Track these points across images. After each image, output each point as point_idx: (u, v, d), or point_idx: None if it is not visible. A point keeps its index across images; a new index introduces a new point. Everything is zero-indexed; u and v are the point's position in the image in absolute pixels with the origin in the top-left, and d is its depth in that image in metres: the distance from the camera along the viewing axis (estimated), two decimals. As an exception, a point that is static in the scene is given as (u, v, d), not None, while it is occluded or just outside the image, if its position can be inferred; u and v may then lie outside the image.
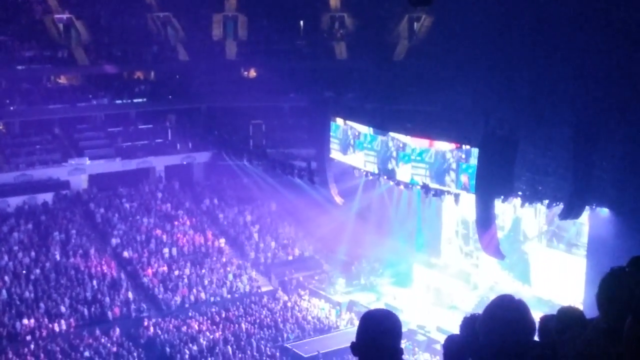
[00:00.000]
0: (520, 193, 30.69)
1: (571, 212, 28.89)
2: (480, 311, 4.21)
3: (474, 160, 30.81)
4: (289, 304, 38.18)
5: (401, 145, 34.58)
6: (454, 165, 31.94)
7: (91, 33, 46.89)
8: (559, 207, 29.68)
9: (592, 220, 30.80)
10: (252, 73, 52.09)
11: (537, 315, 6.09)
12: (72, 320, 34.28)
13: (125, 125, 47.17)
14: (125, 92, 47.43)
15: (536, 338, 5.20)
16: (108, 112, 46.98)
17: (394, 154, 34.77)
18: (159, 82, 49.34)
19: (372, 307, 35.70)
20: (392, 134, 35.14)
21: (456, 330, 5.70)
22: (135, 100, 47.51)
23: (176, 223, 42.16)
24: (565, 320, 5.09)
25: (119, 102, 46.95)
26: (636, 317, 3.41)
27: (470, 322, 5.08)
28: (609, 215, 29.74)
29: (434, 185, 33.07)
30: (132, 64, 48.60)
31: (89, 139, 45.68)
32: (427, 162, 33.24)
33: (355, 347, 3.75)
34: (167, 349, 33.37)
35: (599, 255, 28.59)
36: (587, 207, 29.38)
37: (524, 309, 3.85)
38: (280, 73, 49.26)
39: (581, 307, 5.42)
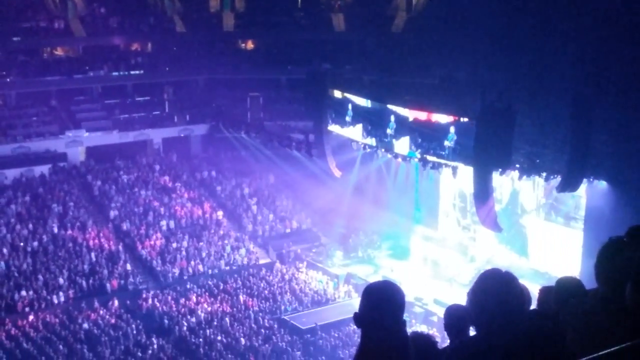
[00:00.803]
0: (518, 166, 30.66)
1: (569, 184, 28.89)
2: None
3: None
4: (286, 277, 38.31)
5: (399, 117, 34.46)
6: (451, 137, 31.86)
7: (87, 4, 46.64)
8: (557, 180, 29.68)
9: (589, 193, 30.85)
10: (250, 45, 51.90)
11: (534, 287, 6.12)
12: (70, 292, 34.42)
13: (122, 97, 47.14)
14: (122, 64, 47.26)
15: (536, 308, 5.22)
16: (105, 84, 46.89)
17: (392, 126, 34.66)
18: (156, 54, 49.18)
19: (370, 279, 35.85)
20: (390, 106, 35.00)
21: (453, 302, 5.71)
22: (132, 72, 47.36)
23: (174, 195, 42.19)
24: (564, 291, 5.13)
25: (115, 74, 46.80)
26: (636, 284, 3.43)
27: None
28: (607, 188, 29.78)
29: (431, 158, 33.04)
30: (129, 36, 48.38)
31: (86, 111, 45.65)
32: (425, 135, 33.14)
33: (358, 319, 3.76)
34: (166, 321, 33.54)
35: (597, 228, 28.65)
36: (584, 180, 29.36)
37: (511, 279, 3.87)
38: (277, 45, 49.13)
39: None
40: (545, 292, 5.78)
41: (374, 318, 3.72)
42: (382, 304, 3.74)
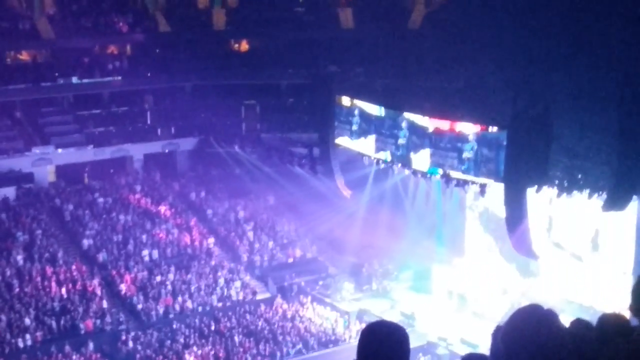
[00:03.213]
0: (556, 182, 30.58)
1: (616, 202, 28.76)
2: None
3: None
4: (289, 314, 38.21)
5: (417, 127, 34.45)
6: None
7: (56, 2, 46.88)
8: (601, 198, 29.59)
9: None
10: (244, 46, 52.06)
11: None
12: (38, 334, 34.34)
13: (97, 107, 47.22)
14: (96, 69, 47.41)
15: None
16: (77, 92, 46.99)
17: (410, 138, 34.65)
18: (136, 57, 49.32)
19: (386, 316, 35.75)
20: (407, 114, 35.00)
21: (482, 342, 5.66)
22: (108, 79, 47.48)
23: (157, 221, 42.19)
24: (607, 328, 5.07)
25: (89, 81, 46.91)
26: None
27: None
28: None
29: (456, 175, 32.97)
30: (105, 37, 48.56)
31: (55, 124, 45.75)
32: (448, 147, 33.10)
33: None
34: (149, 367, 33.46)
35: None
36: (634, 197, 29.27)
37: (552, 319, 3.84)
38: (276, 45, 49.24)
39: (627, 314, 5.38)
40: (585, 328, 5.71)
41: None
42: (383, 349, 3.71)
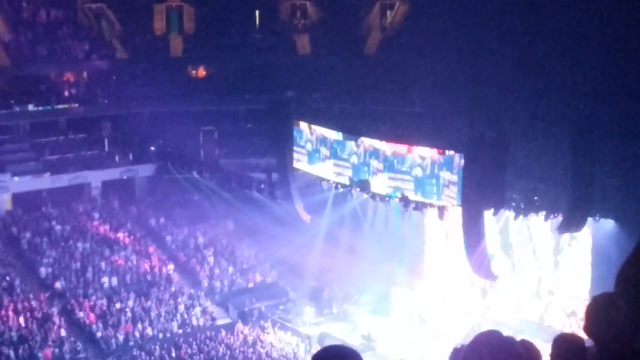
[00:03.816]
0: (513, 204, 30.96)
1: (571, 224, 29.21)
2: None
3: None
4: (250, 339, 38.05)
5: (375, 152, 34.71)
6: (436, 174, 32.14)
7: (12, 29, 46.57)
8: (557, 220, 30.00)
9: (594, 233, 31.19)
10: (201, 72, 52.07)
11: (538, 343, 6.19)
12: (-5, 364, 33.90)
13: (53, 135, 46.89)
14: (53, 96, 47.15)
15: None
16: (33, 120, 46.65)
17: (368, 162, 34.88)
18: (93, 84, 49.13)
19: (347, 339, 35.79)
20: (364, 139, 35.25)
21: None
22: (65, 106, 47.22)
23: (116, 248, 41.89)
24: (562, 349, 5.17)
25: (45, 108, 46.61)
26: None
27: (460, 354, 5.17)
28: (614, 227, 30.14)
29: (414, 198, 33.23)
30: (61, 64, 48.31)
31: (11, 152, 45.31)
32: (405, 171, 33.39)
33: None
34: (109, 396, 33.14)
35: (605, 271, 28.95)
36: (589, 219, 29.70)
37: (511, 345, 3.96)
38: (233, 71, 49.37)
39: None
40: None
41: None
42: None
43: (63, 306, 37.99)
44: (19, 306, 36.87)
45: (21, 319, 36.15)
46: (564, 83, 33.54)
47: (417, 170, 32.71)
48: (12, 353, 34.48)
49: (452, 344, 5.11)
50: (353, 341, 35.81)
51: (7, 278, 38.49)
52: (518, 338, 4.51)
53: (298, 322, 39.63)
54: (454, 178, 31.06)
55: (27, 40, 47.38)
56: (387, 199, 35.21)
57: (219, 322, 39.21)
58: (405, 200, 33.83)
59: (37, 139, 46.43)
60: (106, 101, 48.22)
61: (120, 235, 42.98)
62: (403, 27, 46.15)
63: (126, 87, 47.90)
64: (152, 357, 35.87)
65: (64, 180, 44.45)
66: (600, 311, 4.07)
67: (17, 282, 38.43)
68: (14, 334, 35.44)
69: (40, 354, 34.77)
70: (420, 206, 33.53)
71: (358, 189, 36.32)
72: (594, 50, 32.39)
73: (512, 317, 35.23)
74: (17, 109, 46.00)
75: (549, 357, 5.75)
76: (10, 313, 36.28)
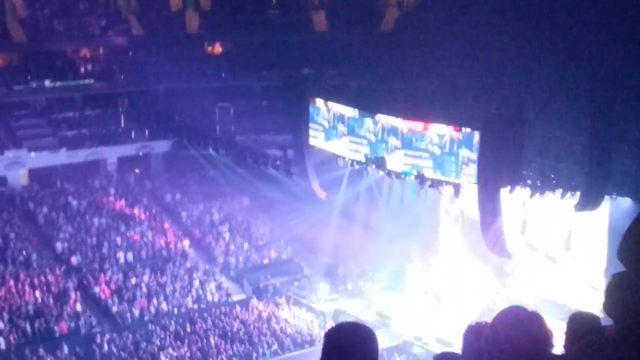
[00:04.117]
0: (529, 182, 30.73)
1: (588, 202, 28.96)
2: (485, 319, 4.30)
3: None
4: (264, 315, 38.10)
5: (392, 129, 34.53)
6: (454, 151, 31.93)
7: (29, 5, 46.52)
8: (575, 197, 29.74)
9: (612, 211, 30.92)
10: (218, 49, 51.95)
11: (553, 323, 6.06)
12: (11, 337, 34.00)
13: (70, 111, 46.92)
14: (69, 72, 47.15)
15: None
16: (50, 96, 46.70)
17: (385, 139, 34.71)
18: (109, 60, 49.11)
19: (362, 316, 35.78)
20: (380, 116, 35.08)
21: (457, 341, 5.66)
22: (81, 82, 47.21)
23: (132, 223, 41.96)
24: (579, 328, 5.07)
25: (62, 84, 46.62)
26: None
27: (475, 332, 5.09)
28: (631, 205, 29.88)
29: (432, 176, 33.05)
30: (77, 40, 48.27)
31: (28, 128, 45.42)
32: (423, 149, 33.21)
33: None
34: (124, 370, 33.25)
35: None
36: (606, 197, 29.43)
37: (538, 321, 3.95)
38: (250, 48, 49.23)
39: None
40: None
41: None
42: (347, 352, 3.66)
43: (79, 281, 38.11)
44: (35, 280, 37.03)
45: (37, 293, 36.29)
46: (582, 61, 33.21)
47: (436, 148, 32.53)
48: (28, 326, 34.65)
49: (467, 321, 5.01)
50: (367, 318, 35.81)
51: (24, 252, 38.64)
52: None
53: (312, 299, 39.67)
54: (474, 156, 30.86)
55: (44, 16, 47.33)
56: (402, 176, 35.06)
57: (234, 298, 39.26)
58: (421, 178, 33.67)
59: (53, 114, 46.49)
60: (122, 77, 48.13)
61: (135, 210, 43.04)
62: (420, 3, 45.84)
63: (142, 63, 47.74)
64: (167, 332, 35.95)
65: (80, 155, 44.54)
66: (619, 291, 3.98)
67: (33, 256, 38.57)
68: (30, 307, 35.60)
69: (56, 328, 34.92)
70: (436, 184, 33.38)
71: (374, 166, 36.17)
72: (614, 28, 32.03)
73: (527, 296, 35.04)
74: (34, 84, 46.01)
75: (564, 335, 5.63)
76: (27, 287, 36.44)
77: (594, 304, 31.31)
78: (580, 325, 5.06)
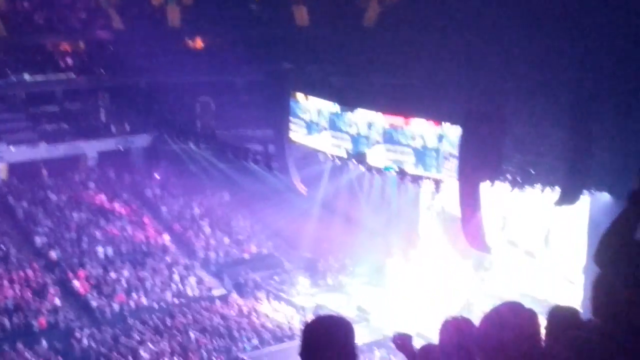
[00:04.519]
0: (509, 177, 30.76)
1: (567, 197, 29.01)
2: (464, 314, 4.36)
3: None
4: (244, 309, 38.10)
5: (373, 124, 34.49)
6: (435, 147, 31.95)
7: (8, -2, 46.16)
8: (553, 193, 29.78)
9: (592, 206, 31.01)
10: (199, 43, 51.71)
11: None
12: (-10, 332, 33.85)
13: (50, 105, 46.66)
14: (49, 66, 46.83)
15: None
16: (29, 90, 46.39)
17: (366, 134, 34.67)
18: (89, 54, 48.81)
19: (342, 311, 35.75)
20: (361, 111, 35.03)
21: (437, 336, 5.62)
22: (61, 76, 46.91)
23: (112, 218, 41.87)
24: (558, 322, 5.05)
25: (41, 78, 46.33)
26: None
27: (452, 326, 5.10)
28: (610, 200, 29.95)
29: (413, 171, 33.02)
30: (58, 34, 47.95)
31: (7, 122, 45.20)
32: (405, 144, 33.18)
33: None
34: (103, 364, 33.11)
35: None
36: (585, 192, 29.51)
37: (535, 318, 4.21)
38: (231, 42, 49.05)
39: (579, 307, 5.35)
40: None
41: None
42: (323, 345, 3.68)
43: (58, 276, 37.94)
44: (14, 275, 36.83)
45: (16, 288, 36.09)
46: (562, 56, 33.23)
47: (418, 142, 32.53)
48: (6, 321, 34.47)
49: (446, 316, 4.99)
50: (348, 312, 35.81)
51: (2, 247, 38.46)
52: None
53: (293, 293, 39.72)
54: (455, 151, 30.87)
55: (24, 10, 46.97)
56: (384, 171, 35.04)
57: (214, 293, 39.26)
58: (402, 173, 33.65)
59: (33, 108, 46.19)
60: (102, 72, 47.87)
61: (115, 205, 42.94)
62: (402, 0, 45.75)
63: (123, 57, 47.48)
64: (147, 327, 35.85)
65: (60, 150, 44.41)
66: (602, 290, 4.01)
67: (12, 251, 38.40)
68: (9, 302, 35.40)
69: (34, 323, 34.78)
70: (416, 179, 33.36)
71: (355, 161, 36.11)
72: (595, 24, 32.05)
73: (507, 290, 35.12)
74: (14, 78, 45.68)
75: (543, 330, 5.58)
76: (5, 282, 36.25)
77: (572, 298, 31.47)
78: (559, 319, 5.05)
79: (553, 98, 31.02)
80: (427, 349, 6.14)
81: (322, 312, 36.69)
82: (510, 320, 4.04)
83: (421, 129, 32.39)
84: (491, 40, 35.91)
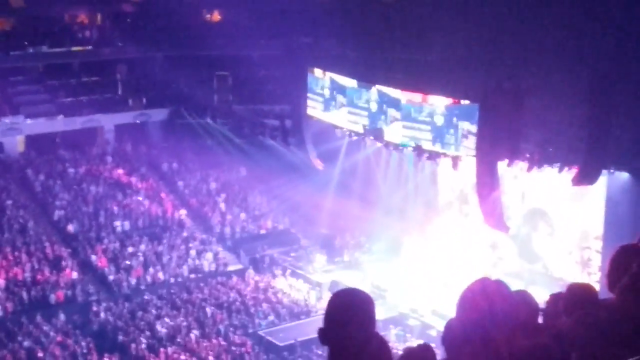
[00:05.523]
0: (527, 155, 30.77)
1: (586, 176, 28.99)
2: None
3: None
4: (261, 285, 38.29)
5: (391, 100, 34.52)
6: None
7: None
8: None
9: (609, 185, 31.01)
10: (216, 16, 51.69)
11: (546, 294, 6.15)
12: (8, 305, 34.19)
13: (67, 77, 46.78)
14: (67, 38, 46.93)
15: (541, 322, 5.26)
16: (47, 62, 46.54)
17: (384, 110, 34.70)
18: (107, 26, 48.89)
19: (359, 288, 35.89)
20: (379, 87, 35.06)
21: (454, 313, 5.74)
22: (78, 48, 47.02)
23: (129, 192, 42.03)
24: (575, 300, 5.11)
25: (59, 50, 46.43)
26: None
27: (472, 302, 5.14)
28: (629, 180, 29.98)
29: (431, 148, 33.06)
30: (75, 6, 48.04)
31: (25, 94, 45.27)
32: (422, 120, 33.21)
33: (322, 335, 3.84)
34: (120, 338, 33.42)
35: (618, 226, 28.89)
36: (604, 171, 29.50)
37: (500, 289, 4.01)
38: (248, 16, 48.85)
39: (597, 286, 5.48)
40: (554, 300, 5.75)
41: (339, 333, 3.78)
42: (347, 316, 3.78)
43: (75, 249, 38.23)
44: (32, 248, 37.12)
45: (34, 261, 36.41)
46: (582, 34, 33.08)
47: (436, 119, 32.55)
48: (24, 294, 34.81)
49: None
50: (364, 289, 35.82)
51: (21, 220, 38.72)
52: (528, 289, 4.51)
53: (309, 270, 39.80)
54: (474, 128, 30.87)
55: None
56: (400, 148, 35.09)
57: (230, 268, 39.44)
58: (418, 150, 33.72)
59: (50, 81, 46.33)
60: (120, 44, 47.95)
61: (133, 179, 43.07)
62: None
63: (140, 30, 47.55)
64: (164, 301, 36.14)
65: (77, 123, 44.47)
66: (621, 265, 4.06)
67: (30, 224, 38.65)
68: (27, 275, 35.73)
69: (52, 296, 35.09)
70: (433, 156, 33.41)
71: (371, 138, 36.18)
72: (616, 0, 31.91)
73: (523, 269, 35.24)
74: (31, 50, 45.79)
75: (546, 305, 5.71)
76: (23, 255, 36.54)
77: (587, 277, 31.62)
78: (577, 297, 5.12)
79: (572, 75, 30.91)
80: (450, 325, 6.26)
81: (338, 289, 36.84)
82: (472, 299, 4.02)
83: (440, 106, 32.39)
84: (510, 17, 35.78)
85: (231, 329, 34.53)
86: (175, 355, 32.10)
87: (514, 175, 34.06)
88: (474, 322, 3.97)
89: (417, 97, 33.44)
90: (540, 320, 5.10)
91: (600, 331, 3.98)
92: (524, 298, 4.80)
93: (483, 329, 3.95)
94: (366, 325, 3.79)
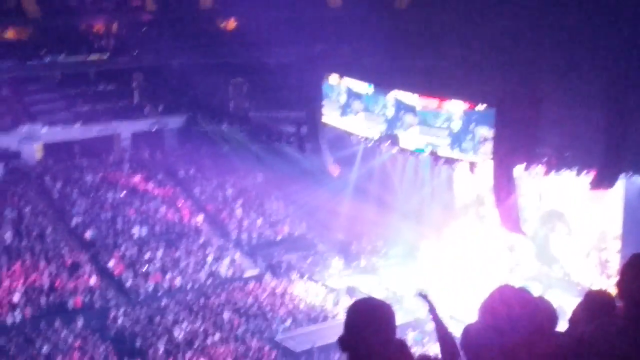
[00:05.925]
0: (545, 159, 30.66)
1: (604, 180, 28.88)
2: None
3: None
4: (278, 290, 38.26)
5: (407, 106, 34.47)
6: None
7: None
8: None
9: (628, 190, 30.85)
10: (231, 24, 51.80)
11: (565, 300, 6.10)
12: (27, 310, 34.29)
13: (84, 85, 46.99)
14: (83, 47, 47.16)
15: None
16: (64, 70, 46.76)
17: (401, 116, 34.66)
18: (123, 35, 49.06)
19: (374, 293, 35.86)
20: (395, 92, 35.03)
21: (471, 318, 5.71)
22: (95, 57, 47.24)
23: (146, 198, 42.11)
24: (593, 307, 5.06)
25: (76, 59, 46.66)
26: None
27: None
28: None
29: (447, 153, 33.00)
30: (91, 15, 48.25)
31: (42, 102, 45.54)
32: (439, 126, 33.14)
33: (342, 343, 3.87)
34: (138, 343, 33.46)
35: (634, 227, 28.74)
36: (622, 175, 29.35)
37: (523, 296, 4.05)
38: (264, 24, 49.00)
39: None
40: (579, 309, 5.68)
41: (359, 341, 3.81)
42: (368, 325, 3.82)
43: (93, 255, 38.33)
44: (50, 254, 37.24)
45: (53, 267, 36.52)
46: (598, 37, 32.99)
47: (453, 125, 32.48)
48: (43, 300, 34.90)
49: (480, 298, 5.06)
50: (380, 294, 35.85)
51: (39, 227, 38.85)
52: (545, 294, 4.51)
53: (326, 275, 39.78)
54: (491, 134, 30.78)
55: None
56: (416, 153, 35.04)
57: (247, 274, 39.42)
58: (434, 155, 33.66)
59: (67, 89, 46.55)
60: (136, 53, 48.12)
61: (149, 186, 43.17)
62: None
63: (156, 39, 47.73)
64: (181, 306, 36.17)
65: (94, 130, 44.66)
66: (634, 272, 4.01)
67: (48, 230, 38.78)
68: (45, 281, 35.82)
69: (70, 302, 35.17)
70: (450, 161, 33.34)
71: (387, 144, 36.14)
72: (631, 4, 31.79)
73: (541, 273, 35.09)
74: (48, 59, 46.05)
75: (578, 313, 5.64)
76: (42, 261, 36.66)
77: (606, 282, 31.43)
78: (596, 303, 5.07)
79: (589, 79, 30.81)
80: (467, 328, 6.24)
81: (355, 294, 36.89)
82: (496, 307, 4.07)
83: (457, 112, 32.31)
84: (526, 20, 35.72)
85: (248, 334, 34.51)
86: (193, 361, 32.14)
87: (530, 176, 33.92)
88: (493, 328, 3.96)
89: (433, 103, 33.38)
90: (564, 327, 5.05)
91: (620, 338, 3.93)
92: (543, 304, 4.76)
93: (502, 335, 3.95)
94: (386, 333, 3.86)
